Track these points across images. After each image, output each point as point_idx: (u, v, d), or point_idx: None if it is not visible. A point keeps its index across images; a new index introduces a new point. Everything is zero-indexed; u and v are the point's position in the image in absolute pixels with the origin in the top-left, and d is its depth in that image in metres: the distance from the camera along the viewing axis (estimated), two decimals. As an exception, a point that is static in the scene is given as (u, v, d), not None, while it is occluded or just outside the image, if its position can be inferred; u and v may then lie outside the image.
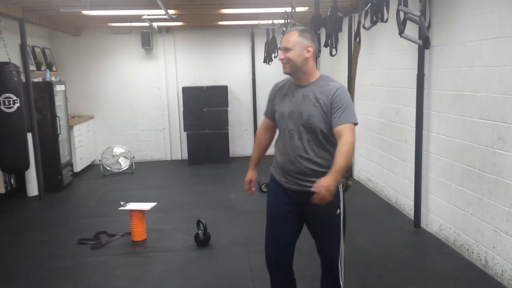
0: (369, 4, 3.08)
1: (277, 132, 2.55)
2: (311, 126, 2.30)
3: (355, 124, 2.28)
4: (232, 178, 6.73)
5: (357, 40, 2.65)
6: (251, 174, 2.73)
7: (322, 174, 2.20)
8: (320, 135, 2.31)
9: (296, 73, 2.36)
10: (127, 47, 7.83)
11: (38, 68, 6.56)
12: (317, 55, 2.47)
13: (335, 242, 2.47)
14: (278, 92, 2.52)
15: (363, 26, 3.46)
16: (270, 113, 2.57)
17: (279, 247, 2.55)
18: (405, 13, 2.95)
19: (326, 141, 2.33)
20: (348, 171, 2.48)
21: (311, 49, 2.32)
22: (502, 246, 3.15)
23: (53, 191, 5.95)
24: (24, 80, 5.43)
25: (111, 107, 7.93)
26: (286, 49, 2.32)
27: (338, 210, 2.41)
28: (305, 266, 3.56)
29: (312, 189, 2.14)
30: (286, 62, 2.33)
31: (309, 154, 2.33)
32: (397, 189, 4.90)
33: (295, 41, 2.31)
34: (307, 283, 3.29)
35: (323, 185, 2.11)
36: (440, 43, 3.85)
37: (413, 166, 4.26)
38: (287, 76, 2.46)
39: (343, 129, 2.22)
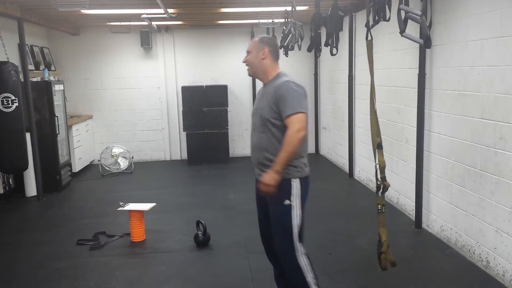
0: (371, 3, 3.06)
1: None
2: (262, 118, 2.54)
3: (301, 112, 2.40)
4: (232, 178, 6.71)
5: (369, 38, 2.65)
6: None
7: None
8: (271, 126, 2.50)
9: (256, 74, 2.68)
10: (126, 47, 7.80)
11: (37, 67, 6.53)
12: (276, 55, 2.69)
13: (286, 235, 2.53)
14: (257, 95, 2.77)
15: (365, 25, 3.44)
16: None
17: (261, 232, 2.84)
18: (406, 12, 2.93)
19: (279, 132, 2.48)
20: (382, 171, 2.48)
21: (266, 50, 2.61)
22: (504, 247, 3.13)
23: (51, 191, 5.92)
24: (22, 80, 5.40)
25: (110, 106, 7.90)
26: (247, 53, 2.67)
27: (287, 201, 2.50)
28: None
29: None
30: (247, 64, 2.68)
31: (262, 145, 2.54)
32: (398, 189, 4.88)
33: (253, 45, 2.65)
34: (307, 284, 3.26)
35: (262, 181, 2.45)
36: (441, 43, 3.83)
37: (414, 166, 4.24)
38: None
39: (288, 122, 2.42)
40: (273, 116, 2.48)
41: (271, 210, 2.60)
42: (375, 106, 2.43)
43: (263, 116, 2.53)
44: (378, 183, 2.47)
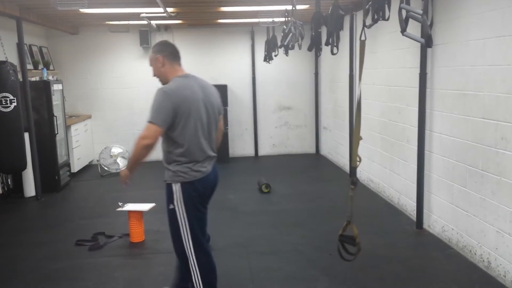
0: (370, 2, 3.04)
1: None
2: None
3: (151, 122, 2.48)
4: (232, 178, 6.69)
5: (363, 38, 2.63)
6: None
7: (166, 168, 2.66)
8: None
9: (165, 83, 2.71)
10: (125, 46, 7.78)
11: (35, 67, 6.51)
12: (172, 56, 2.75)
13: (175, 237, 2.72)
14: None
15: (363, 25, 3.42)
16: None
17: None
18: (407, 11, 2.91)
19: (165, 138, 2.60)
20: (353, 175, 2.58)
21: (160, 58, 2.67)
22: (505, 247, 3.11)
23: (50, 191, 5.90)
24: (21, 79, 5.39)
25: (109, 106, 7.88)
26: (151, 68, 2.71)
27: (171, 205, 2.66)
28: (305, 267, 3.53)
29: None
30: (156, 77, 2.76)
31: (161, 149, 2.70)
32: (399, 190, 4.86)
33: (150, 58, 2.72)
34: (307, 283, 3.26)
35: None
36: (442, 42, 3.80)
37: (415, 166, 4.22)
38: None
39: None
40: None
41: (167, 210, 2.74)
42: (360, 106, 2.44)
43: None
44: (355, 179, 2.61)
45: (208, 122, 2.65)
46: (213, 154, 2.73)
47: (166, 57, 2.68)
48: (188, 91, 2.60)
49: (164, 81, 2.72)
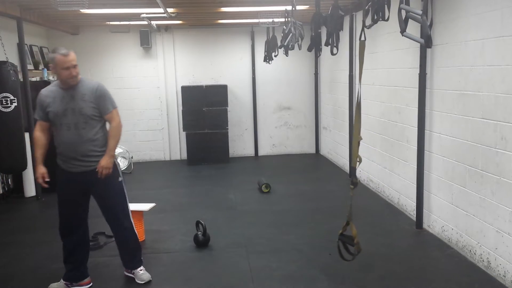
0: (370, 3, 3.05)
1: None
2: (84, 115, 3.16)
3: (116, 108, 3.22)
4: (232, 178, 6.70)
5: (363, 39, 2.63)
6: (43, 168, 3.21)
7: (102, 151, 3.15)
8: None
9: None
10: (125, 46, 7.79)
11: (36, 67, 6.52)
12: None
13: (125, 204, 3.30)
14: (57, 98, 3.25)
15: (362, 26, 3.43)
16: None
17: (71, 215, 3.29)
18: (407, 12, 2.91)
19: (103, 124, 3.23)
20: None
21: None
22: (505, 247, 3.12)
23: (50, 191, 5.88)
24: (21, 80, 5.39)
25: (110, 106, 7.87)
26: (76, 66, 3.04)
27: (120, 178, 3.24)
28: (305, 266, 3.54)
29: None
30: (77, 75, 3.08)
31: (89, 138, 3.13)
32: (399, 190, 4.87)
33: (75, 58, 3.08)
34: (307, 282, 3.26)
35: (103, 165, 3.08)
36: (442, 42, 3.81)
37: (415, 166, 4.23)
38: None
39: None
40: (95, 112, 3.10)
41: (107, 189, 3.18)
42: (360, 105, 2.45)
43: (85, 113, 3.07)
44: (355, 180, 2.59)
45: None
46: None
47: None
48: None
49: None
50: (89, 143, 3.08)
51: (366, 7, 3.04)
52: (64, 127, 3.06)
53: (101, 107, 3.11)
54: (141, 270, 3.37)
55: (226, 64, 8.05)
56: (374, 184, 5.63)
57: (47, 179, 3.14)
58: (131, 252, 3.39)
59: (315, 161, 7.89)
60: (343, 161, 6.86)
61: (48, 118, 3.11)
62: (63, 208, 3.23)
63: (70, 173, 3.13)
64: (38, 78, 6.24)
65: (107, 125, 3.22)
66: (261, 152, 8.37)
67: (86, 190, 3.21)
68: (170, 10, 5.77)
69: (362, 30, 2.53)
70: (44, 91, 3.17)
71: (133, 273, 3.37)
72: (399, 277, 3.32)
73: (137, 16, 6.27)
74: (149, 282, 3.32)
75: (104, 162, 3.09)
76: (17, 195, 5.77)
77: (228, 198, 5.56)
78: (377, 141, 5.39)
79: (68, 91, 3.08)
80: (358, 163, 2.57)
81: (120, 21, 7.02)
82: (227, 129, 7.69)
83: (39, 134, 3.17)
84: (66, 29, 7.13)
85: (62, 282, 3.29)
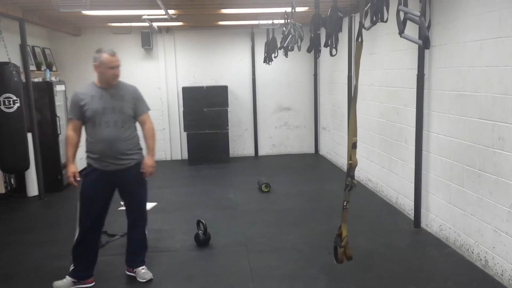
0: (369, 4, 3.07)
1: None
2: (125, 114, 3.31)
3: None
4: (232, 178, 6.73)
5: (359, 40, 2.65)
6: (74, 167, 3.26)
7: (134, 151, 3.31)
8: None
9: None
10: (127, 47, 7.82)
11: (38, 68, 6.56)
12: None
13: (146, 201, 3.43)
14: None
15: (363, 26, 3.45)
16: None
17: (97, 213, 3.31)
18: (405, 13, 2.94)
19: (135, 124, 3.35)
20: (352, 170, 2.53)
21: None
22: (502, 246, 3.15)
23: (53, 191, 5.94)
24: (24, 80, 5.43)
25: (111, 107, 7.90)
26: (118, 67, 3.26)
27: (146, 178, 3.33)
28: (304, 266, 3.57)
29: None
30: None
31: (124, 136, 3.26)
32: (397, 189, 4.90)
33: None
34: (306, 282, 3.29)
35: (150, 164, 3.27)
36: (440, 43, 3.85)
37: (413, 166, 4.26)
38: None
39: None
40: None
41: (137, 185, 3.29)
42: (355, 106, 2.44)
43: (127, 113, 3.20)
44: (347, 182, 2.53)
45: None
46: None
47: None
48: None
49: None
50: (126, 142, 3.17)
51: (366, 9, 3.07)
52: (103, 125, 3.11)
53: (137, 108, 3.25)
54: (142, 269, 3.40)
55: (227, 65, 8.08)
56: (372, 184, 5.66)
57: (78, 178, 3.18)
58: (140, 250, 3.44)
59: (315, 161, 7.92)
60: (342, 161, 6.88)
61: (84, 117, 3.13)
62: (87, 207, 3.22)
63: (102, 172, 3.16)
64: (40, 79, 6.27)
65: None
66: (261, 152, 8.40)
67: (114, 188, 3.27)
68: (171, 11, 5.81)
69: (360, 31, 2.56)
70: (79, 90, 3.24)
71: (134, 272, 3.41)
72: (398, 277, 3.35)
73: (138, 18, 6.31)
74: (150, 280, 3.35)
75: (150, 162, 3.24)
76: (20, 195, 5.81)
77: (228, 198, 5.59)
78: (376, 141, 5.42)
79: (107, 91, 3.18)
80: (350, 165, 2.52)
81: (121, 22, 7.05)
82: (228, 129, 7.72)
83: (72, 133, 3.19)
84: (68, 31, 7.17)
85: (69, 279, 3.28)
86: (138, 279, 3.36)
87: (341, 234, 2.62)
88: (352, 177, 2.51)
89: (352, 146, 2.48)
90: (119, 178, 3.21)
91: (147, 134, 3.31)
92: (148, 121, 3.31)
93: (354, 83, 2.56)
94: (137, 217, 3.38)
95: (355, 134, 2.53)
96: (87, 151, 3.21)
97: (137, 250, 3.43)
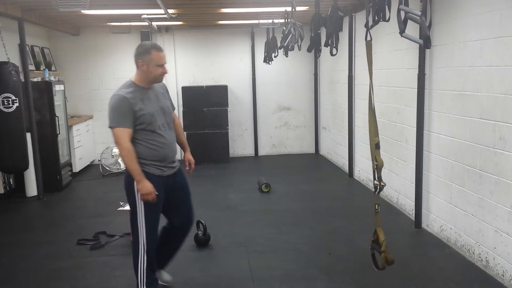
0: (371, 3, 3.07)
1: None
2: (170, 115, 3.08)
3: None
4: (232, 178, 6.72)
5: (370, 39, 2.66)
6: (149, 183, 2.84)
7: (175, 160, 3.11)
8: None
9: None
10: (126, 47, 7.79)
11: (37, 67, 6.54)
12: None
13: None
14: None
15: (365, 25, 3.44)
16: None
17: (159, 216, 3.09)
18: (406, 13, 2.93)
19: None
20: (379, 171, 2.50)
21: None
22: (503, 246, 3.14)
23: (52, 191, 5.93)
24: (23, 80, 5.41)
25: (111, 107, 7.89)
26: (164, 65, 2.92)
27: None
28: (304, 266, 3.56)
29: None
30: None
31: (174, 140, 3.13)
32: (397, 189, 4.89)
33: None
34: (307, 282, 3.28)
35: (192, 161, 3.30)
36: (441, 43, 3.83)
37: (414, 166, 4.25)
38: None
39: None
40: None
41: (185, 179, 3.15)
42: (373, 106, 2.41)
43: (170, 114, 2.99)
44: (376, 183, 2.49)
45: None
46: None
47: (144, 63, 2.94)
48: None
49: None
50: (175, 143, 3.05)
51: (368, 7, 3.06)
52: (162, 128, 2.84)
53: (171, 105, 3.05)
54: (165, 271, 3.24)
55: (226, 65, 8.07)
56: (372, 184, 5.64)
57: (156, 193, 2.79)
58: (178, 248, 3.24)
59: (315, 161, 7.91)
60: (343, 161, 6.88)
61: (140, 123, 2.76)
62: (155, 220, 2.94)
63: (161, 178, 2.86)
64: (39, 79, 6.26)
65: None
66: (261, 152, 8.39)
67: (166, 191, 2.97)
68: (170, 11, 5.79)
69: (367, 30, 2.55)
70: (126, 94, 2.80)
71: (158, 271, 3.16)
72: (398, 276, 3.34)
73: (138, 17, 6.29)
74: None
75: (191, 157, 3.22)
76: (19, 195, 5.79)
77: (228, 198, 5.58)
78: (377, 141, 5.40)
79: (149, 90, 2.87)
80: (376, 166, 2.49)
81: (120, 22, 7.04)
82: (227, 129, 7.71)
83: (130, 145, 2.78)
84: (67, 30, 7.15)
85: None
86: (160, 282, 3.11)
87: (378, 239, 2.55)
88: (380, 178, 2.48)
89: (375, 146, 2.46)
90: (172, 179, 2.97)
91: (180, 129, 3.18)
92: (176, 117, 3.14)
93: (369, 82, 2.54)
94: (189, 210, 3.17)
95: (376, 134, 2.50)
96: (143, 158, 2.79)
97: (178, 247, 3.23)
